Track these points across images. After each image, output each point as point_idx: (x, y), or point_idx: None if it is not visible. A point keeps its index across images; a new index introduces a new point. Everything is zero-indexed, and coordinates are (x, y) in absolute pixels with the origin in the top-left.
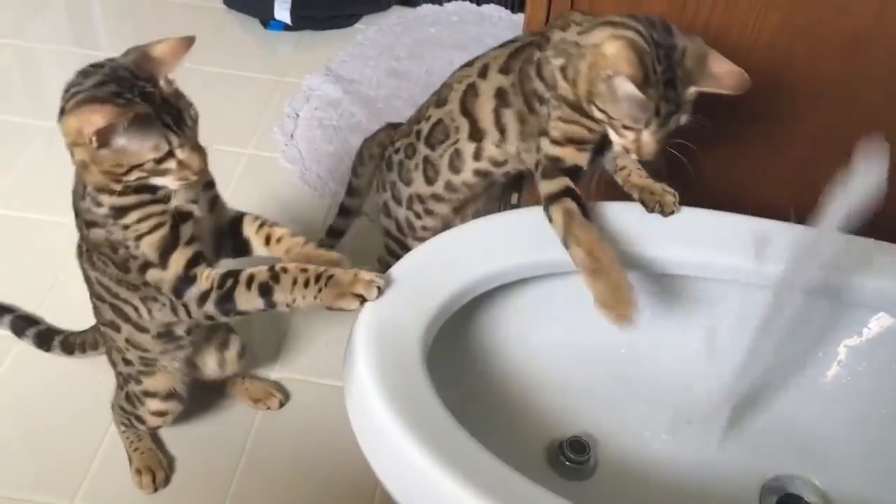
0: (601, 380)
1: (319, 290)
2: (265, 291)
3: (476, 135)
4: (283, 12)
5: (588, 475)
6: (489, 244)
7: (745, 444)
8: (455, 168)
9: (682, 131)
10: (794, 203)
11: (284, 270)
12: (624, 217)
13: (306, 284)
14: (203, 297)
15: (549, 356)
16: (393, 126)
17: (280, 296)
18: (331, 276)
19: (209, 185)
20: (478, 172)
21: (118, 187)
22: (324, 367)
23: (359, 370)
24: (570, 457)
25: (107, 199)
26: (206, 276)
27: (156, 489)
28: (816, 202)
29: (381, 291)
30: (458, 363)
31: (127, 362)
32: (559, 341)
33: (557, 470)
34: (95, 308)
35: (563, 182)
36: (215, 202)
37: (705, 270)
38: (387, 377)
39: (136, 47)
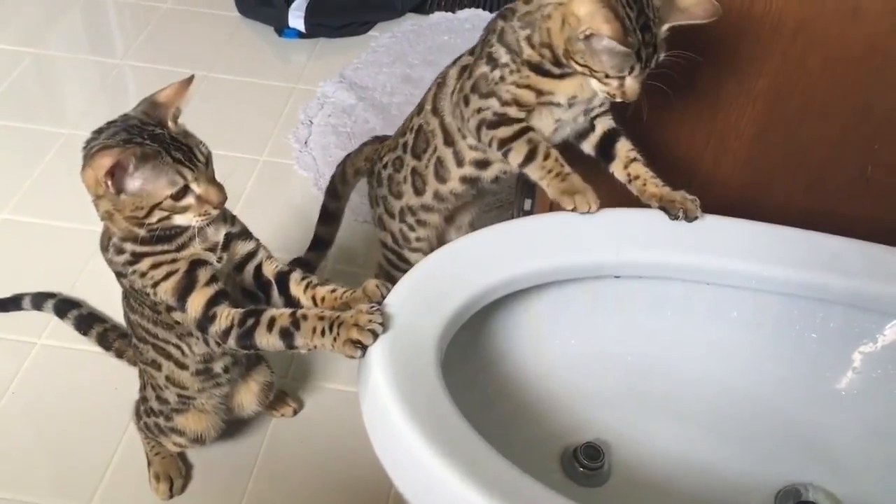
0: (615, 386)
1: (334, 339)
2: (285, 335)
3: (448, 138)
4: (297, 20)
5: (602, 481)
6: (504, 250)
7: (759, 450)
8: (441, 177)
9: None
10: (809, 210)
11: (305, 318)
12: (637, 223)
13: (324, 333)
14: (225, 334)
15: (564, 362)
16: (378, 139)
17: (300, 341)
18: (342, 324)
19: (237, 238)
20: (464, 179)
21: (143, 232)
22: (338, 372)
23: (374, 376)
24: (585, 463)
25: (129, 247)
26: (227, 316)
27: (171, 496)
28: (831, 209)
29: (375, 336)
30: (472, 369)
31: (162, 401)
32: (573, 347)
33: (571, 476)
34: (136, 348)
35: (521, 124)
36: (248, 259)
37: (719, 277)
38: (402, 383)
39: (144, 98)
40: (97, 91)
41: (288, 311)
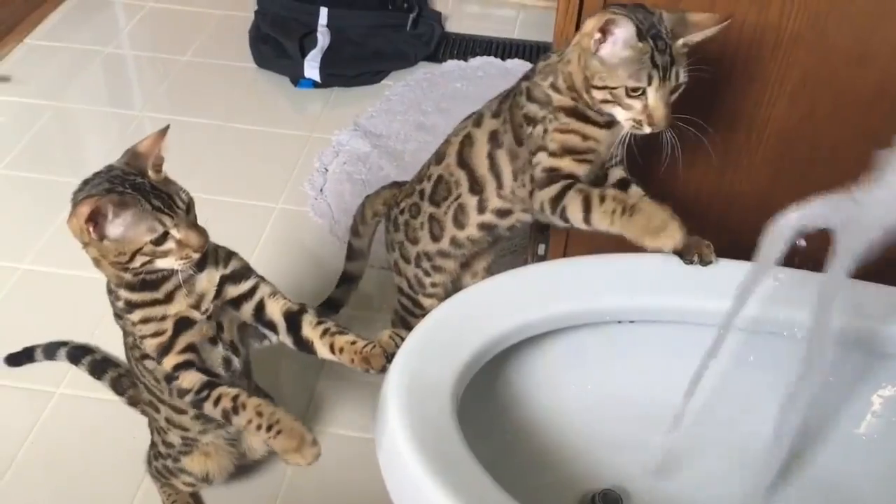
0: (633, 431)
1: (271, 439)
2: (226, 415)
3: (476, 187)
4: (312, 70)
5: None
6: (518, 296)
7: (781, 497)
8: (460, 223)
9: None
10: (823, 249)
11: (244, 407)
12: (651, 268)
13: (258, 428)
14: (182, 393)
15: (580, 408)
16: (398, 184)
17: (237, 423)
18: (279, 432)
19: (229, 281)
20: (482, 226)
21: (129, 276)
22: (355, 419)
23: (390, 424)
24: None
25: (123, 293)
26: (189, 381)
27: None
28: None
29: (315, 458)
30: (489, 416)
31: (167, 444)
32: (590, 393)
33: None
34: (137, 388)
35: (565, 182)
36: (242, 299)
37: (736, 321)
38: (418, 430)
39: (127, 149)
40: (116, 143)
41: (232, 393)
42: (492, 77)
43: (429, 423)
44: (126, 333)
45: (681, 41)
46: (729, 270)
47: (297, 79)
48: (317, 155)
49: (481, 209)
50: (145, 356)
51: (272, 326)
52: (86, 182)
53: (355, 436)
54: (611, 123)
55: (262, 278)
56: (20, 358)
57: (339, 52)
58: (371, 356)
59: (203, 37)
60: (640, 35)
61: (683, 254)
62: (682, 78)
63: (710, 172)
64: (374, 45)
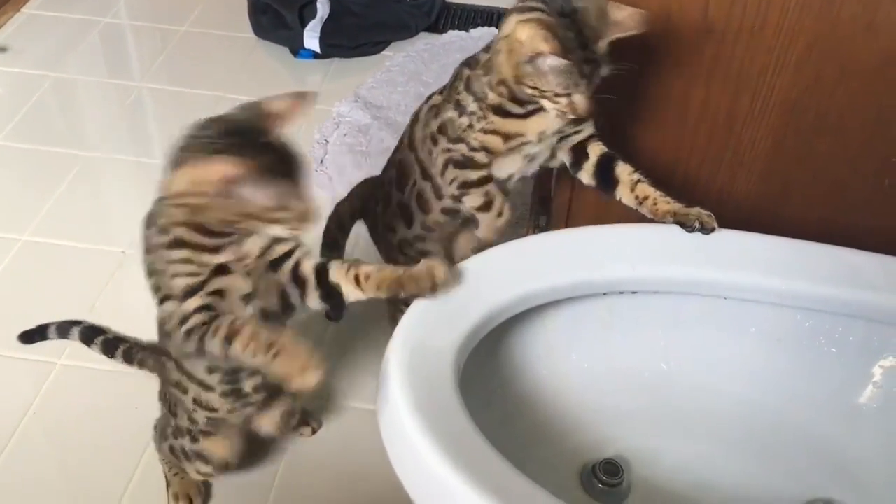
0: (634, 402)
1: (268, 364)
2: (225, 344)
3: (425, 172)
4: (312, 41)
5: (622, 498)
6: (519, 267)
7: (780, 467)
8: (424, 209)
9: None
10: (827, 223)
11: (239, 331)
12: (653, 239)
13: (255, 353)
14: (188, 333)
15: (582, 379)
16: (366, 182)
17: (234, 352)
18: (278, 353)
19: (276, 242)
20: (445, 211)
21: (216, 228)
22: (357, 391)
23: (392, 394)
24: (604, 479)
25: (178, 231)
26: (200, 319)
27: None
28: (850, 221)
29: (317, 381)
30: (490, 386)
31: (192, 421)
32: (591, 364)
33: (591, 493)
34: (164, 366)
35: (484, 172)
36: (284, 259)
37: (737, 292)
38: (420, 401)
39: (251, 104)
40: (116, 114)
41: (230, 318)
42: None
43: (431, 393)
44: (158, 289)
45: (603, 42)
46: (732, 240)
47: (297, 49)
48: (317, 126)
49: (438, 196)
50: (167, 298)
51: (303, 285)
52: (203, 126)
53: (358, 406)
54: (530, 113)
55: (298, 241)
56: (33, 335)
57: (340, 23)
58: (408, 280)
59: (201, 6)
60: (568, 55)
61: (684, 223)
62: (605, 74)
63: (714, 142)
64: (375, 15)
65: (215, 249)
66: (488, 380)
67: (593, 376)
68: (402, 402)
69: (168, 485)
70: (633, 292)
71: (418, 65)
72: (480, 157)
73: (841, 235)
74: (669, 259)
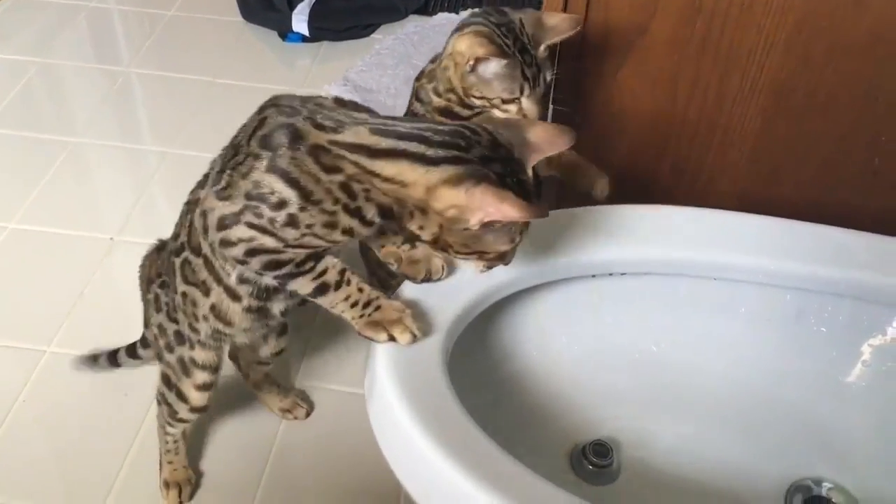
0: (623, 383)
1: (361, 316)
2: (323, 288)
3: None
4: (300, 24)
5: (612, 479)
6: None
7: (769, 445)
8: None
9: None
10: (817, 202)
11: (348, 283)
12: (641, 219)
13: (354, 305)
14: (275, 265)
15: (571, 360)
16: None
17: (328, 300)
18: (378, 307)
19: None
20: None
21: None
22: (345, 374)
23: (380, 377)
24: (593, 460)
25: (327, 179)
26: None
27: (181, 503)
28: (839, 200)
29: (415, 340)
30: (479, 369)
31: (193, 329)
32: (580, 345)
33: (580, 474)
34: (187, 265)
35: None
36: None
37: (726, 272)
38: (408, 383)
39: (507, 121)
40: (103, 99)
41: (340, 267)
42: None
43: (419, 377)
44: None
45: (542, 47)
46: (721, 220)
47: (286, 33)
48: None
49: None
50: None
51: None
52: (466, 140)
53: (348, 391)
54: (477, 115)
55: None
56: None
57: (328, 5)
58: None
59: None
60: (506, 55)
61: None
62: (549, 79)
63: (703, 122)
64: None
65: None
66: (477, 363)
67: (583, 357)
68: (389, 386)
69: (161, 469)
70: (622, 273)
71: (408, 47)
72: None
73: (831, 215)
74: (658, 240)
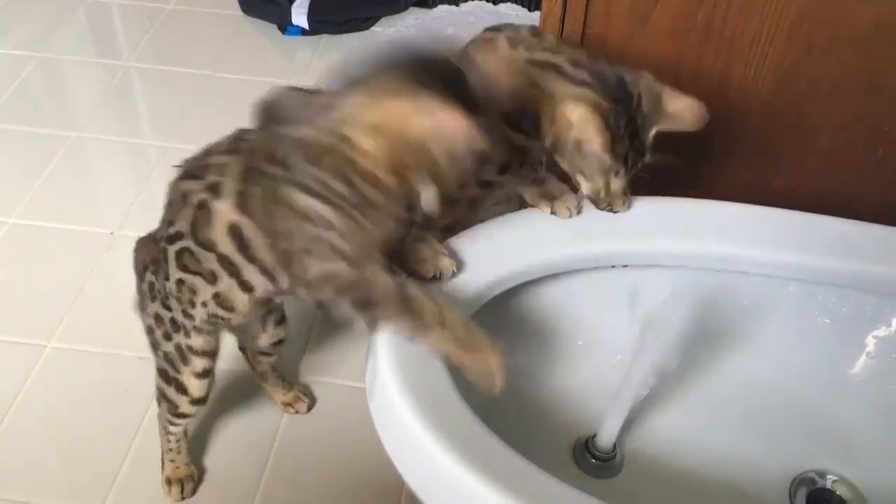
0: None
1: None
2: (414, 331)
3: None
4: (300, 17)
5: (615, 472)
6: (511, 242)
7: (773, 438)
8: None
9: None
10: (819, 192)
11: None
12: (644, 212)
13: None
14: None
15: (573, 353)
16: None
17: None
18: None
19: None
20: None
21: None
22: (347, 369)
23: (381, 370)
24: (596, 454)
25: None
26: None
27: (183, 498)
28: (843, 191)
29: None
30: None
31: (187, 315)
32: (582, 338)
33: (583, 467)
34: (189, 253)
35: None
36: None
37: (729, 263)
38: (410, 377)
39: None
40: (102, 93)
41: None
42: (484, 22)
43: (420, 369)
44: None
45: (653, 131)
46: (724, 212)
47: (285, 26)
48: None
49: None
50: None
51: None
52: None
53: (350, 385)
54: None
55: None
56: None
57: None
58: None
59: None
60: (616, 141)
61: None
62: (647, 161)
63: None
64: None
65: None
66: None
67: (585, 350)
68: (391, 381)
69: (162, 466)
70: (625, 266)
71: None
72: None
73: (833, 205)
74: (661, 232)
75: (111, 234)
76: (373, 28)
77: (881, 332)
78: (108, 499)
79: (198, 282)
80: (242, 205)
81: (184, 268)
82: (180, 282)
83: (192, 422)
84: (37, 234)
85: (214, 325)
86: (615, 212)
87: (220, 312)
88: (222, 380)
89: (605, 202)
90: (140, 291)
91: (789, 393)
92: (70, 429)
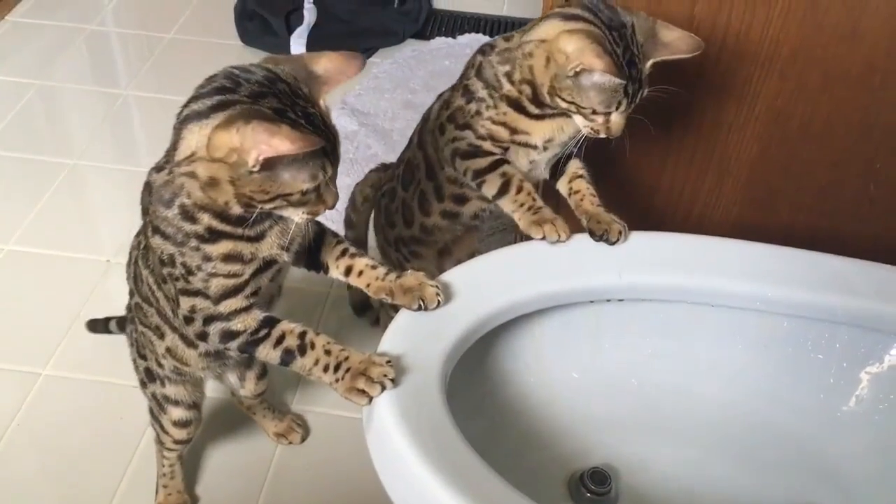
0: (621, 409)
1: (337, 381)
2: (288, 356)
3: (430, 171)
4: (299, 48)
5: None
6: (506, 275)
7: (767, 472)
8: (425, 211)
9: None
10: (813, 229)
11: (312, 346)
12: (639, 246)
13: (325, 369)
14: (229, 336)
15: (569, 386)
16: (385, 167)
17: (298, 365)
18: (348, 369)
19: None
20: (445, 214)
21: (242, 211)
22: (342, 398)
23: (378, 403)
24: (592, 488)
25: (207, 220)
26: (245, 322)
27: None
28: (835, 227)
29: (384, 389)
30: (477, 394)
31: (160, 365)
32: (578, 371)
33: (579, 501)
34: (140, 308)
35: (495, 157)
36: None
37: (724, 299)
38: (406, 409)
39: (290, 57)
40: (101, 121)
41: (299, 330)
42: None
43: (417, 402)
44: (167, 262)
45: (650, 62)
46: (718, 248)
47: None
48: None
49: (439, 198)
50: (188, 291)
51: (312, 249)
52: (232, 79)
53: (345, 415)
54: (544, 116)
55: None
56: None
57: (326, 29)
58: (398, 288)
59: (187, 13)
60: (620, 73)
61: (594, 230)
62: (646, 94)
63: (700, 149)
64: (362, 21)
65: (257, 238)
66: (476, 388)
67: (581, 384)
68: (387, 412)
69: (157, 492)
70: (620, 300)
71: (405, 71)
72: (487, 145)
73: (827, 242)
74: (656, 267)
75: (107, 261)
76: (371, 59)
77: (874, 368)
78: None
79: (153, 336)
80: (144, 256)
81: (141, 322)
82: (142, 334)
83: (187, 448)
84: (34, 261)
85: (183, 376)
86: (612, 243)
87: (179, 366)
88: (217, 408)
89: (602, 130)
90: (128, 336)
91: (783, 427)
92: (63, 457)
